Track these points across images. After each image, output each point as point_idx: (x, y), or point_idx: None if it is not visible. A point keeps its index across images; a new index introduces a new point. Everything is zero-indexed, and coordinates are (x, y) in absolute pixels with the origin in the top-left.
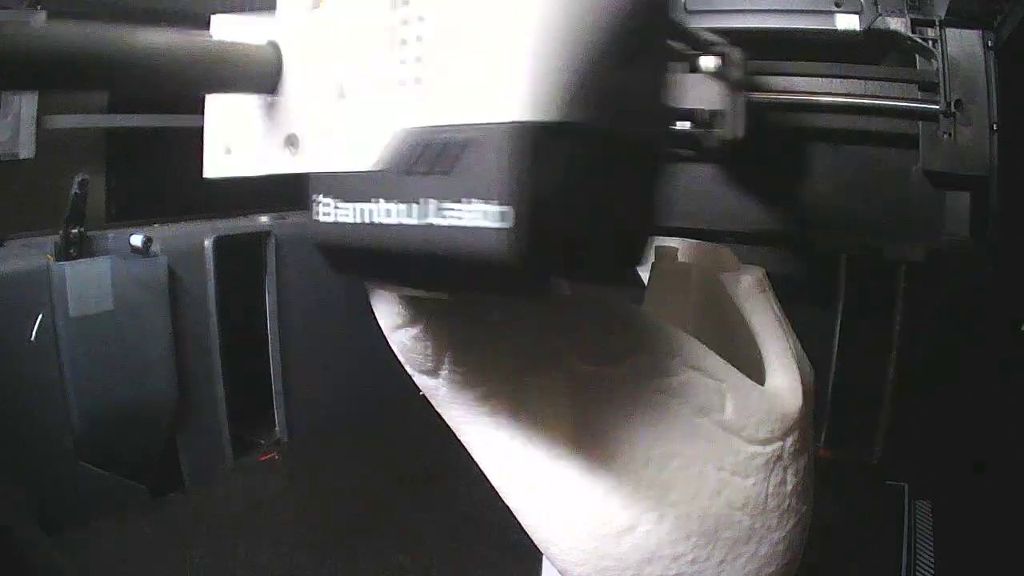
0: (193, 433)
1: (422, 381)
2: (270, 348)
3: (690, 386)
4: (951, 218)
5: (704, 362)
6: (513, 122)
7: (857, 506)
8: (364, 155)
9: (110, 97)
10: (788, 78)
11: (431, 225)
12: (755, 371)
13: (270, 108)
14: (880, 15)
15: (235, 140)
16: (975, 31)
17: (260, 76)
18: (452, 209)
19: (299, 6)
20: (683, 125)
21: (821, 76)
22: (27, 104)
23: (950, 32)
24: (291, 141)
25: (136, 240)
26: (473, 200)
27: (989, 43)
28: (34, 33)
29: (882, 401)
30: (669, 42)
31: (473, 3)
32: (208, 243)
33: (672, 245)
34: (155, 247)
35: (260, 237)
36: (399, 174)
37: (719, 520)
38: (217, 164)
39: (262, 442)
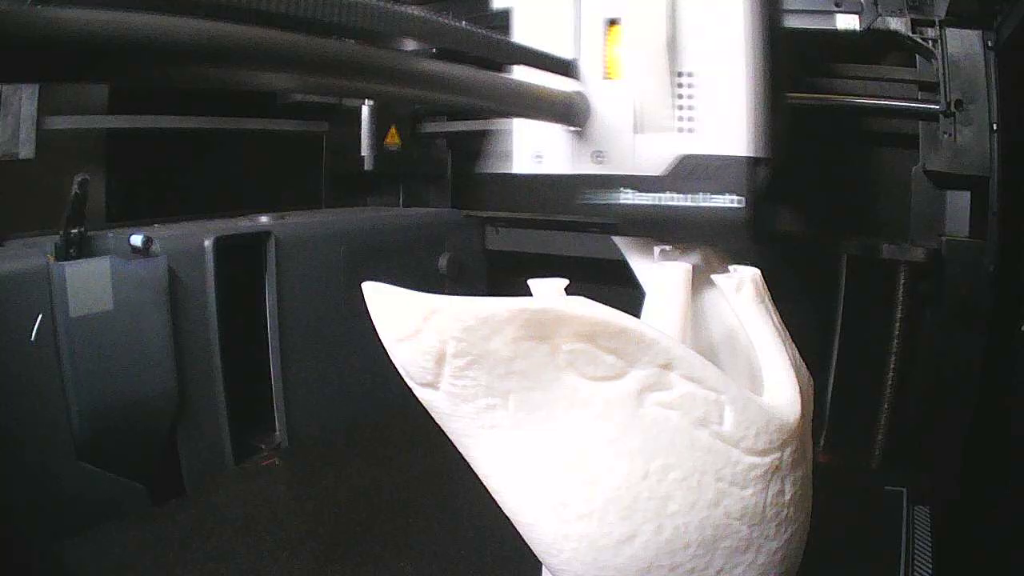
0: (193, 436)
1: (422, 394)
2: (270, 349)
3: (689, 399)
4: (951, 218)
5: (703, 374)
6: (744, 156)
7: (855, 511)
8: (654, 167)
9: (112, 97)
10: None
11: (700, 206)
12: (752, 375)
13: (581, 134)
14: (880, 15)
15: (546, 151)
16: (975, 31)
17: (581, 115)
18: (715, 198)
19: (595, 76)
20: None
21: (821, 76)
22: (27, 104)
23: (950, 32)
24: (598, 156)
25: (136, 240)
26: (724, 193)
27: (989, 43)
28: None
29: (881, 405)
30: None
31: (723, 86)
32: (208, 243)
33: (672, 244)
34: (155, 247)
35: (260, 237)
36: (679, 179)
37: (717, 530)
38: (529, 165)
39: (263, 446)
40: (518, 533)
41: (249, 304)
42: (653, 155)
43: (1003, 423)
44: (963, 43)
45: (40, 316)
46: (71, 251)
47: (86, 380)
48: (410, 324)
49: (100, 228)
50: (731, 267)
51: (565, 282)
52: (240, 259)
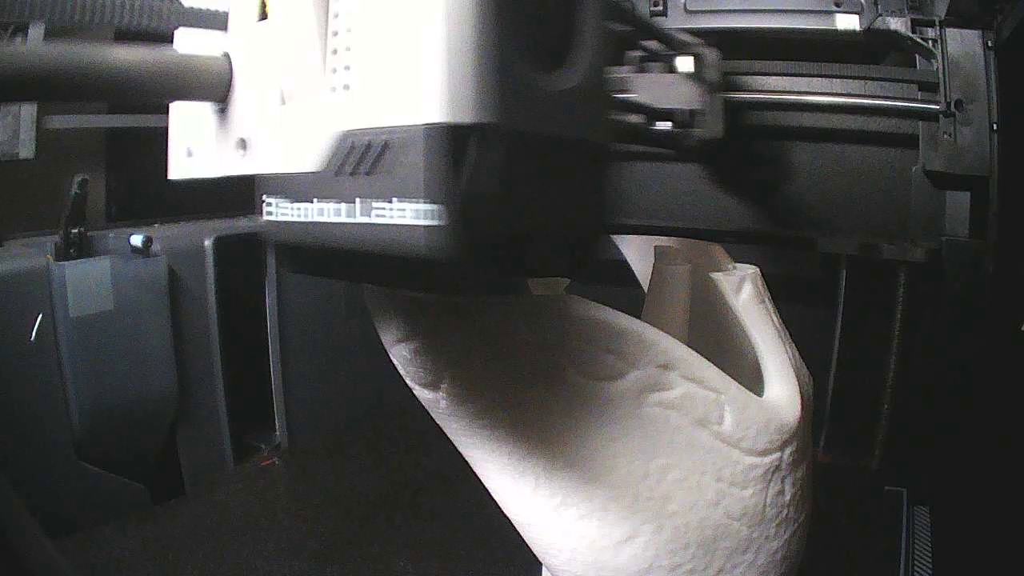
0: (194, 437)
1: (422, 394)
2: (270, 350)
3: (689, 399)
4: (951, 218)
5: (703, 374)
6: (428, 124)
7: (855, 511)
8: (305, 157)
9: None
10: (788, 78)
11: (368, 223)
12: (752, 374)
13: (223, 114)
14: (880, 15)
15: (195, 144)
16: (975, 31)
17: (212, 85)
18: (383, 208)
19: (247, 18)
20: (664, 125)
21: (821, 76)
22: (27, 104)
23: (950, 32)
24: (242, 144)
25: (136, 240)
26: (401, 199)
27: (989, 43)
28: (21, 52)
29: (881, 405)
30: (644, 44)
31: (390, 12)
32: (208, 243)
33: (670, 245)
34: (155, 247)
35: (260, 237)
36: (335, 175)
37: (717, 530)
38: (180, 166)
39: (262, 447)
40: (518, 533)
41: (249, 304)
42: (305, 136)
43: (1003, 423)
44: (963, 43)
45: (40, 316)
46: (71, 251)
47: (86, 380)
48: (410, 325)
49: (100, 228)
50: (730, 265)
51: (565, 281)
52: (240, 259)
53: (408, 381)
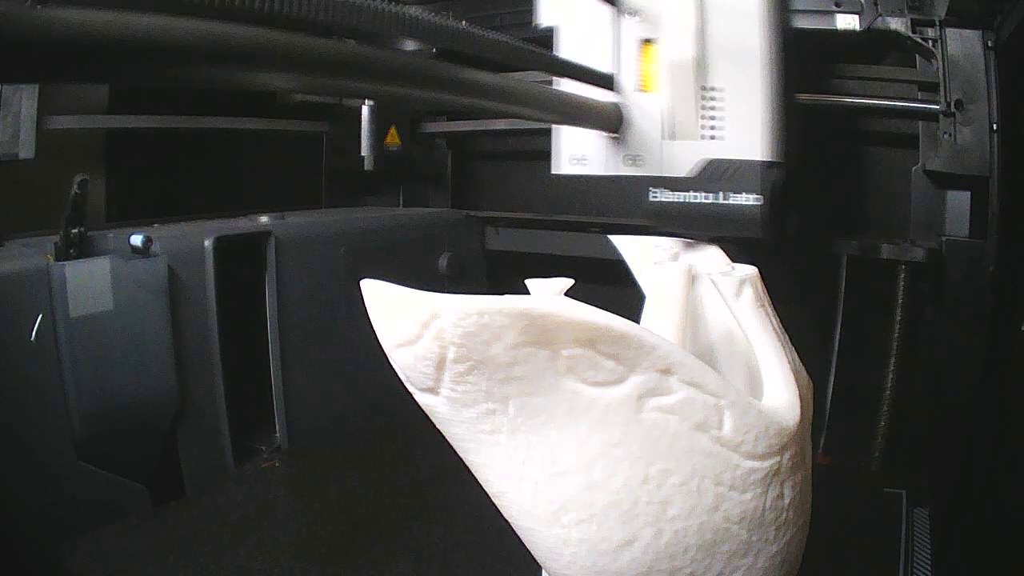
0: (193, 439)
1: (422, 399)
2: (270, 350)
3: (688, 403)
4: (951, 218)
5: (702, 379)
6: (761, 160)
7: (855, 513)
8: (682, 170)
9: (112, 97)
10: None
11: (722, 203)
12: (752, 378)
13: (617, 140)
14: (880, 15)
15: (588, 154)
16: (975, 31)
17: (615, 122)
18: (735, 196)
19: (630, 89)
20: None
21: (821, 76)
22: (27, 104)
23: (950, 32)
24: (632, 159)
25: (136, 240)
26: (743, 193)
27: (989, 43)
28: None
29: (881, 406)
30: None
31: (743, 99)
32: (208, 243)
33: (671, 246)
34: (155, 247)
35: (260, 237)
36: (703, 180)
37: (717, 534)
38: (570, 167)
39: (263, 448)
40: (518, 537)
41: (249, 304)
42: (680, 159)
43: (1003, 424)
44: (963, 43)
45: (40, 316)
46: (71, 251)
47: (86, 380)
48: (410, 329)
49: (100, 228)
50: (729, 266)
51: (568, 282)
52: (240, 259)
53: (408, 385)
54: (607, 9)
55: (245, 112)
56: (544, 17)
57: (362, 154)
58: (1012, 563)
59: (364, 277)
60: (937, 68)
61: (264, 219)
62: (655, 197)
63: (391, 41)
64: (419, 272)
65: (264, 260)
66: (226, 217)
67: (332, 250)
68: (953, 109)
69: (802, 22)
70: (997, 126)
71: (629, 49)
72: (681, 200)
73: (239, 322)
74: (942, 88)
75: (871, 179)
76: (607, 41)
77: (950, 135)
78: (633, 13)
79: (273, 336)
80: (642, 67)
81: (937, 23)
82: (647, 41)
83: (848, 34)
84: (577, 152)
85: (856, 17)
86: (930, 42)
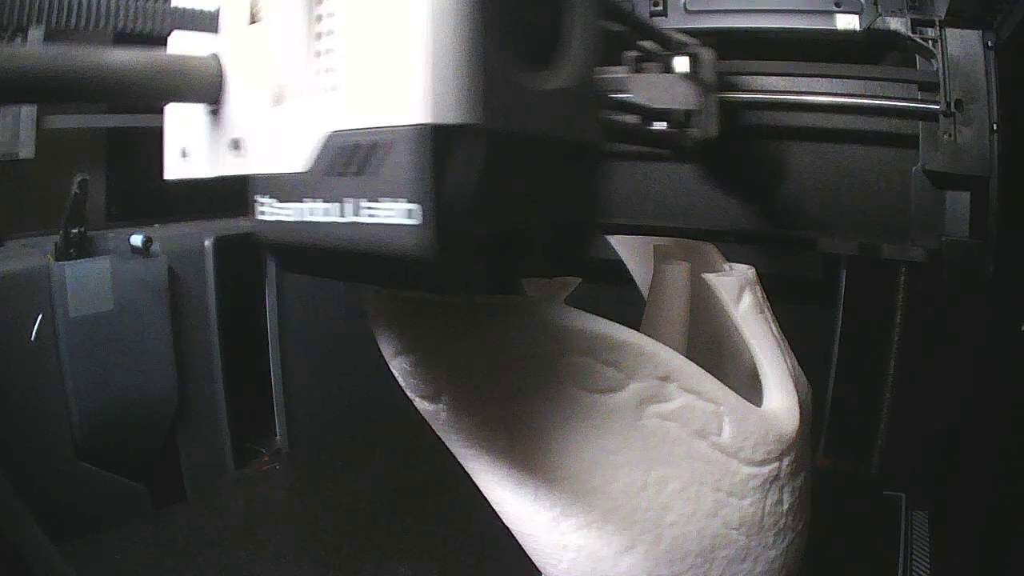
0: (194, 439)
1: (422, 406)
2: (270, 351)
3: (688, 410)
4: (951, 218)
5: (701, 386)
6: (415, 124)
7: (854, 516)
8: (297, 158)
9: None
10: (788, 78)
11: (355, 223)
12: (750, 382)
13: (215, 115)
14: (880, 15)
15: (190, 144)
16: (975, 31)
17: (204, 87)
18: (372, 207)
19: (238, 21)
20: (660, 125)
21: (821, 76)
22: (27, 104)
23: (950, 32)
24: (235, 145)
25: (136, 240)
26: (388, 199)
27: (989, 43)
28: (18, 53)
29: (881, 408)
30: (640, 43)
31: (375, 13)
32: (208, 243)
33: (669, 245)
34: (155, 247)
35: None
36: (324, 175)
37: (716, 540)
38: (176, 167)
39: (263, 450)
40: (518, 541)
41: (249, 304)
42: (296, 138)
43: (1003, 425)
44: (963, 43)
45: (40, 316)
46: (71, 251)
47: (86, 380)
48: (409, 338)
49: (100, 228)
50: (725, 265)
51: (576, 281)
52: (240, 259)
53: (408, 393)
54: None
55: None
56: None
57: None
58: (1012, 566)
59: None
60: (937, 68)
61: None
62: (263, 214)
63: None
64: None
65: (264, 260)
66: (226, 217)
67: None
68: (953, 109)
69: (802, 22)
70: (997, 126)
71: None
72: (296, 219)
73: (239, 322)
74: (942, 88)
75: (871, 179)
76: None
77: (950, 135)
78: None
79: (273, 336)
80: None
81: (937, 23)
82: None
83: (848, 34)
84: (183, 142)
85: (856, 17)
86: (930, 42)
